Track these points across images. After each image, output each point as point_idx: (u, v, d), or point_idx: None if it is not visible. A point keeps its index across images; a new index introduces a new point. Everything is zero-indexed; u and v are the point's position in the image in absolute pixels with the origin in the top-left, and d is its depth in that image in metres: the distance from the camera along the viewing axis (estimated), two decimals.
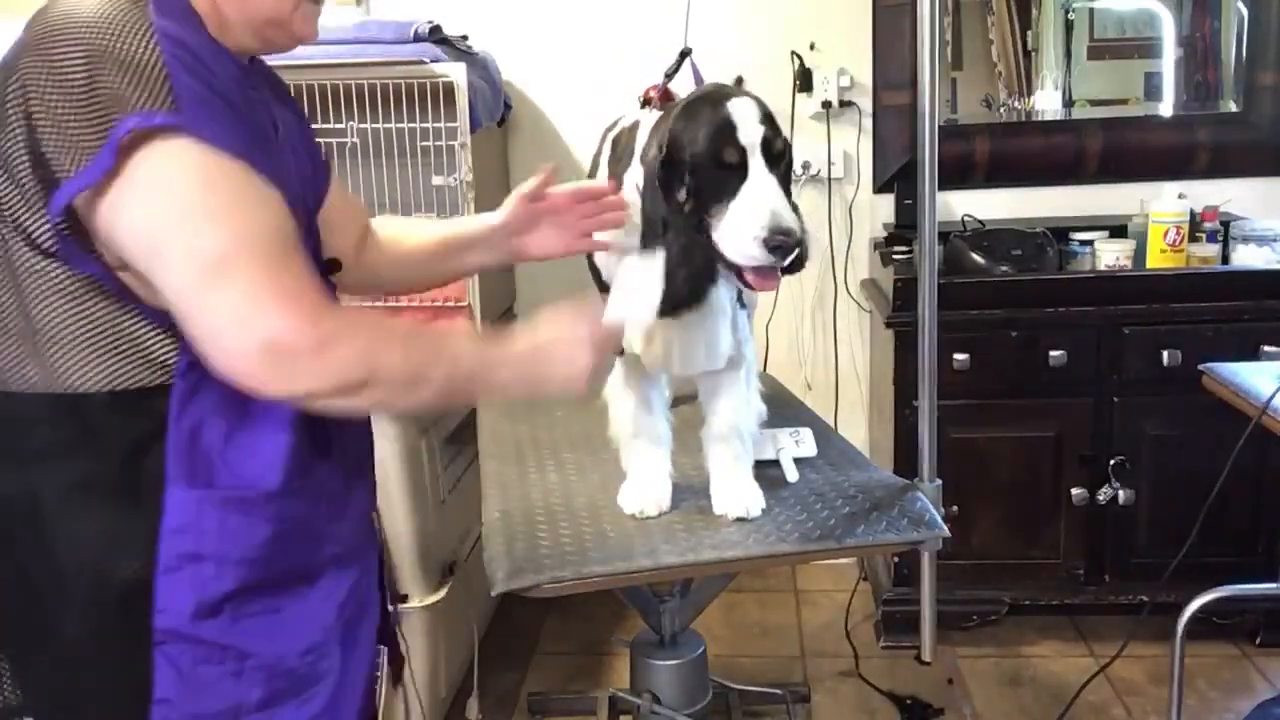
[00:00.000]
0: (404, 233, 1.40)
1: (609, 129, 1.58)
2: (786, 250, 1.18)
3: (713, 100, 1.25)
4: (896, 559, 2.59)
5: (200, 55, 0.94)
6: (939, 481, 1.58)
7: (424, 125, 2.21)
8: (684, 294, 1.28)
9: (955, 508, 2.44)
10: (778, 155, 1.24)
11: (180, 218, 0.90)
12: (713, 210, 1.23)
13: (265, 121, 1.05)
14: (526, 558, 1.39)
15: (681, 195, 1.25)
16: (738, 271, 1.24)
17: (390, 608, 1.41)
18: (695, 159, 1.23)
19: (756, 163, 1.21)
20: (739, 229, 1.20)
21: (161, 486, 0.98)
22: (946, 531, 1.46)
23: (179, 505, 0.98)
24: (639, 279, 1.23)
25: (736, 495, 1.48)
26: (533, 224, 1.40)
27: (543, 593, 1.36)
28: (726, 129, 1.22)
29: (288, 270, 0.93)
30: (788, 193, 1.27)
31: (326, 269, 1.18)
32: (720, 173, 1.22)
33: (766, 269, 1.22)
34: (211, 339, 0.91)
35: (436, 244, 1.39)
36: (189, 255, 0.90)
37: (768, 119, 1.24)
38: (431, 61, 2.22)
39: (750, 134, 1.22)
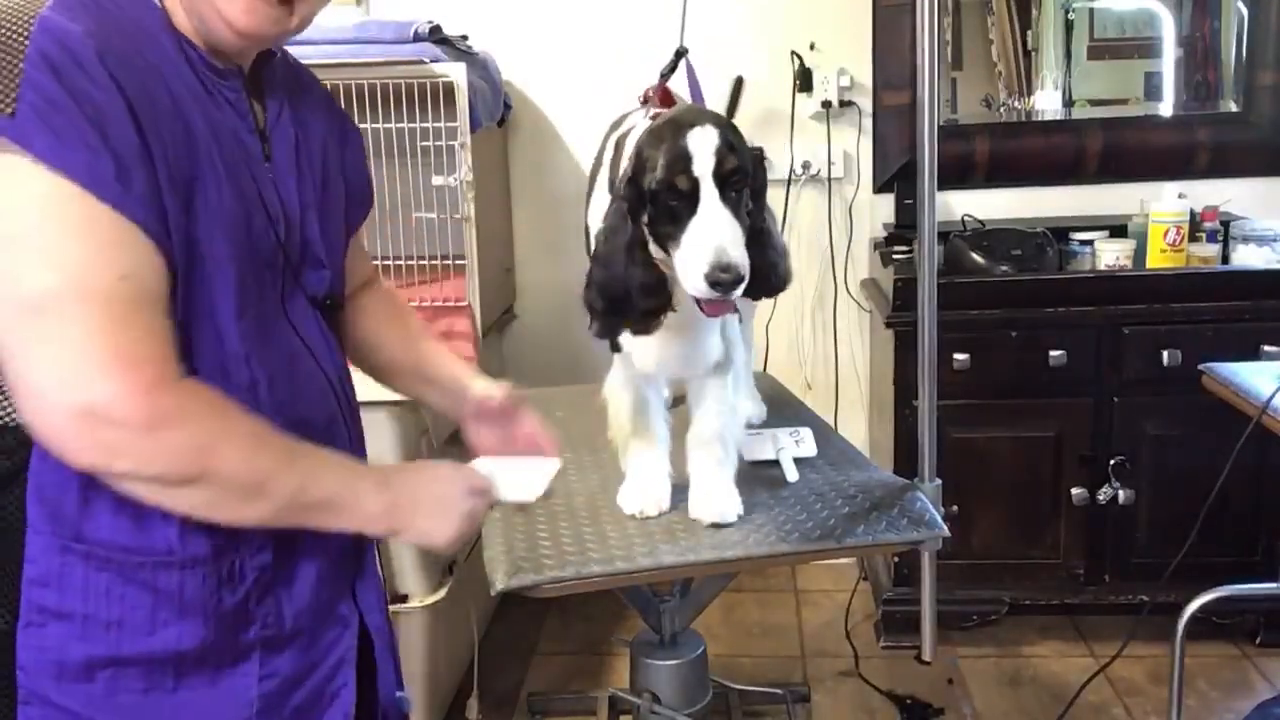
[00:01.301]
0: (388, 330, 1.25)
1: (613, 127, 1.58)
2: (729, 286, 1.18)
3: (674, 127, 1.25)
4: (896, 559, 2.59)
5: (103, 57, 0.81)
6: (939, 481, 1.58)
7: (424, 125, 2.21)
8: (639, 316, 1.29)
9: (955, 508, 2.44)
10: (732, 183, 1.23)
11: (1, 245, 0.78)
12: (670, 235, 1.24)
13: (226, 131, 0.93)
14: (526, 558, 1.39)
15: (644, 219, 1.26)
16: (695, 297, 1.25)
17: (399, 692, 1.17)
18: (654, 186, 1.23)
19: (709, 193, 1.21)
20: (688, 261, 1.21)
21: (21, 531, 0.89)
22: (946, 531, 1.46)
23: (39, 554, 0.89)
24: (531, 464, 1.20)
25: (713, 501, 1.48)
26: (487, 419, 1.25)
27: (543, 593, 1.36)
28: (681, 159, 1.22)
29: (130, 328, 0.80)
30: (758, 213, 1.28)
31: (324, 302, 1.06)
32: (676, 202, 1.22)
33: (713, 300, 1.22)
34: (24, 390, 0.79)
35: (411, 363, 1.25)
36: (5, 290, 0.78)
37: (726, 147, 1.22)
38: (431, 61, 2.22)
39: (704, 165, 1.21)
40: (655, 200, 1.24)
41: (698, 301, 1.24)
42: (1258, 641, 2.53)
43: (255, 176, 0.95)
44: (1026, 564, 2.60)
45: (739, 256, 1.18)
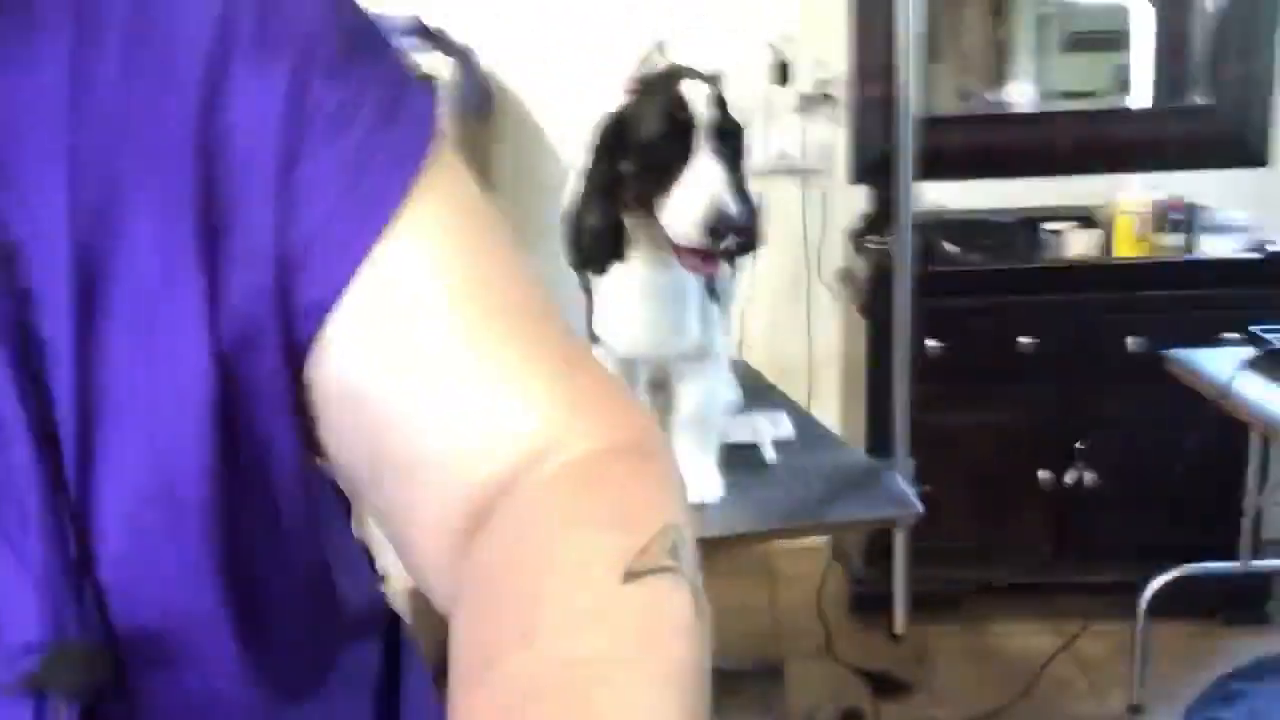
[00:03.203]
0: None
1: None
2: (724, 235, 1.21)
3: (666, 81, 1.28)
4: (868, 540, 2.66)
5: None
6: (912, 460, 1.63)
7: None
8: (594, 255, 1.33)
9: (928, 486, 2.50)
10: (727, 138, 1.25)
11: None
12: (659, 188, 1.25)
13: None
14: None
15: (626, 168, 1.28)
16: (676, 250, 1.27)
17: None
18: (645, 135, 1.25)
19: (703, 145, 1.24)
20: (681, 210, 1.23)
21: None
22: (920, 508, 1.52)
23: None
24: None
25: (694, 480, 1.52)
26: None
27: None
28: (677, 108, 1.24)
29: None
30: (738, 175, 1.30)
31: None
32: (668, 152, 1.24)
33: (704, 252, 1.25)
34: None
35: None
36: None
37: (719, 101, 1.26)
38: (411, 54, 2.25)
39: (700, 115, 1.24)
40: (645, 150, 1.25)
41: (681, 258, 1.26)
42: (1222, 619, 2.62)
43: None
44: (995, 545, 2.68)
45: (736, 206, 1.21)
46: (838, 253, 3.00)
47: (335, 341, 0.46)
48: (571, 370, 0.48)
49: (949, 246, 2.62)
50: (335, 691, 0.56)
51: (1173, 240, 2.63)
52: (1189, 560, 2.24)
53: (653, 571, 0.39)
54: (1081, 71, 2.99)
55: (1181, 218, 2.66)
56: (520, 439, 0.45)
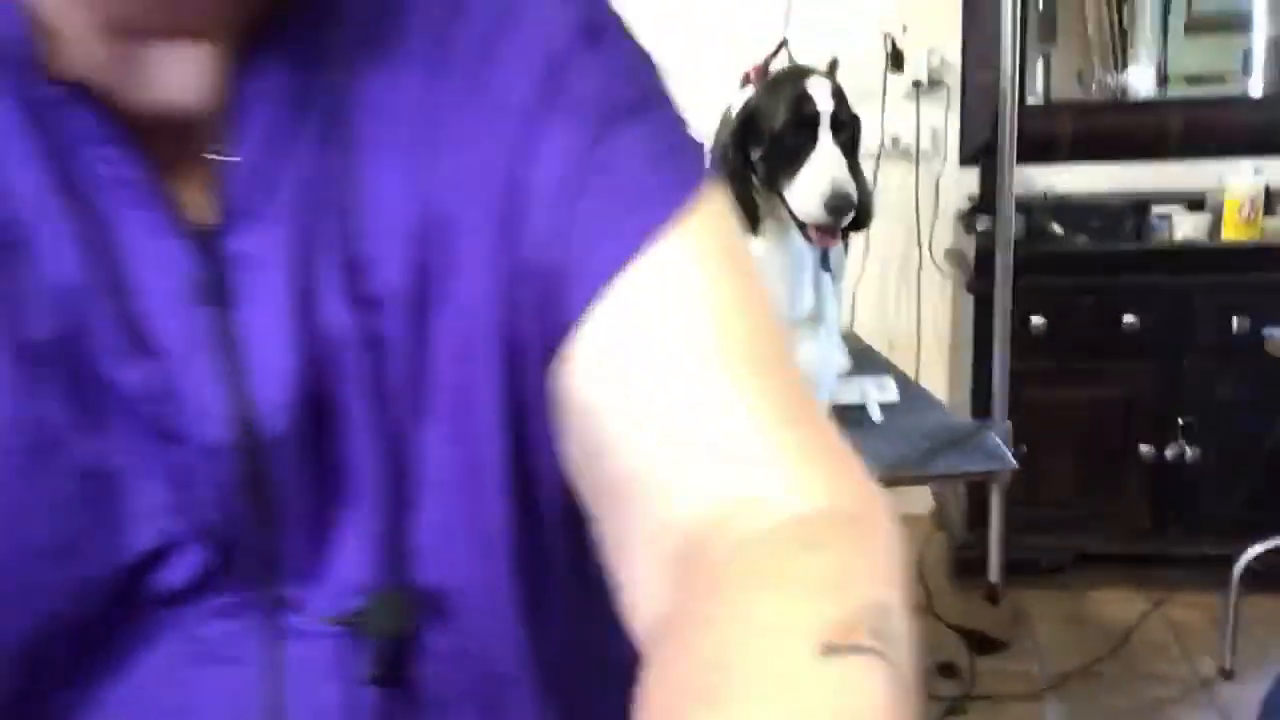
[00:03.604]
0: None
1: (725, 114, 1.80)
2: (843, 212, 1.40)
3: (793, 78, 1.48)
4: (969, 508, 2.79)
5: None
6: (1009, 422, 1.78)
7: None
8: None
9: (1024, 446, 2.62)
10: (844, 128, 1.45)
11: None
12: (785, 172, 1.45)
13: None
14: None
15: (756, 154, 1.48)
16: (802, 226, 1.46)
17: None
18: (774, 126, 1.45)
19: (825, 134, 1.43)
20: (805, 191, 1.42)
21: None
22: (1014, 464, 1.66)
23: None
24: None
25: None
26: None
27: None
28: (803, 102, 1.44)
29: None
30: (854, 160, 1.49)
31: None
32: (794, 140, 1.44)
33: (827, 226, 1.44)
34: None
35: None
36: None
37: (838, 95, 1.45)
38: None
39: (823, 108, 1.43)
40: (776, 139, 1.45)
41: (805, 234, 1.45)
42: None
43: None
44: (1094, 515, 2.78)
45: (851, 186, 1.40)
46: (948, 234, 3.12)
47: (578, 357, 0.47)
48: (804, 423, 0.47)
49: (1056, 228, 2.72)
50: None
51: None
52: None
53: (853, 649, 0.35)
54: (1206, 54, 3.00)
55: None
56: (743, 481, 0.44)
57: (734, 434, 0.45)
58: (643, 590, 0.45)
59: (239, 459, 0.47)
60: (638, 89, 0.52)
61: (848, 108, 1.46)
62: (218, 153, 0.46)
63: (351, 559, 0.49)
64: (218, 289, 0.46)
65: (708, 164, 0.55)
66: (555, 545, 0.54)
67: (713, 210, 0.50)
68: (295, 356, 0.47)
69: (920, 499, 3.23)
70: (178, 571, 0.48)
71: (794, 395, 0.47)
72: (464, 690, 0.52)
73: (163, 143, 0.46)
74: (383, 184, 0.47)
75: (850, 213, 1.41)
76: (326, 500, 0.49)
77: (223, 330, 0.46)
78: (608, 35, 0.52)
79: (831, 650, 0.35)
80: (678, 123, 0.53)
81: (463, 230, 0.48)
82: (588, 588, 0.54)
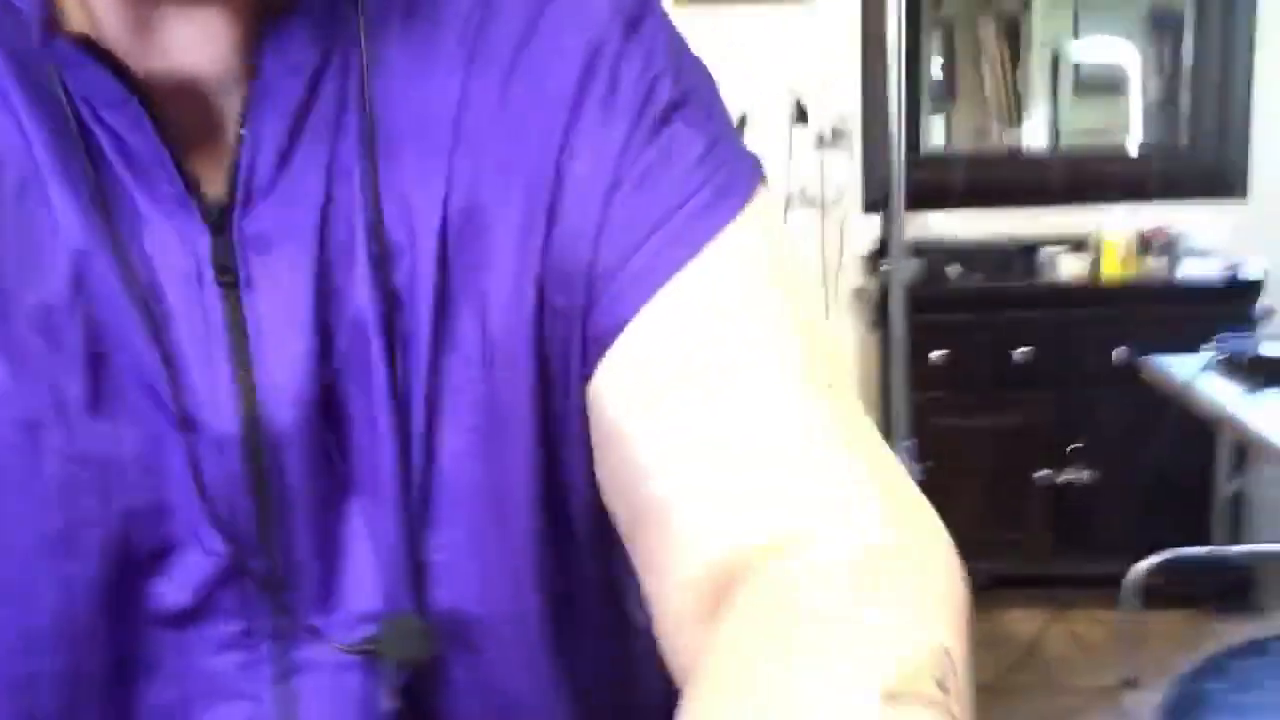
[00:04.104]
0: None
1: None
2: None
3: None
4: None
5: None
6: (913, 440, 1.91)
7: None
8: None
9: (929, 462, 2.76)
10: None
11: None
12: None
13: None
14: None
15: None
16: None
17: None
18: None
19: None
20: None
21: None
22: (920, 477, 1.79)
23: None
24: None
25: None
26: None
27: None
28: None
29: None
30: None
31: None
32: None
33: None
34: None
35: None
36: None
37: None
38: None
39: None
40: None
41: None
42: (1213, 609, 2.82)
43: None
44: (999, 541, 2.93)
45: None
46: (856, 275, 3.30)
47: (616, 369, 0.45)
48: (864, 450, 0.43)
49: (954, 268, 2.91)
50: None
51: (1154, 264, 2.92)
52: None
53: (917, 699, 0.33)
54: (1092, 113, 3.27)
55: (1163, 244, 2.95)
56: (796, 512, 0.41)
57: (786, 461, 0.42)
58: (680, 624, 0.42)
59: (245, 452, 0.44)
60: (681, 83, 0.48)
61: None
62: (237, 128, 0.44)
63: (364, 576, 0.46)
64: (229, 270, 0.44)
65: (756, 164, 0.50)
66: (586, 572, 0.50)
67: (765, 216, 0.48)
68: (308, 346, 0.44)
69: None
70: (179, 581, 0.45)
71: (850, 417, 0.44)
72: None
73: (180, 114, 0.44)
74: (412, 173, 0.45)
75: None
76: (337, 505, 0.46)
77: (233, 314, 0.44)
78: (648, 24, 0.49)
79: (894, 699, 0.33)
80: (723, 120, 0.50)
81: (495, 222, 0.46)
82: (619, 617, 0.52)
